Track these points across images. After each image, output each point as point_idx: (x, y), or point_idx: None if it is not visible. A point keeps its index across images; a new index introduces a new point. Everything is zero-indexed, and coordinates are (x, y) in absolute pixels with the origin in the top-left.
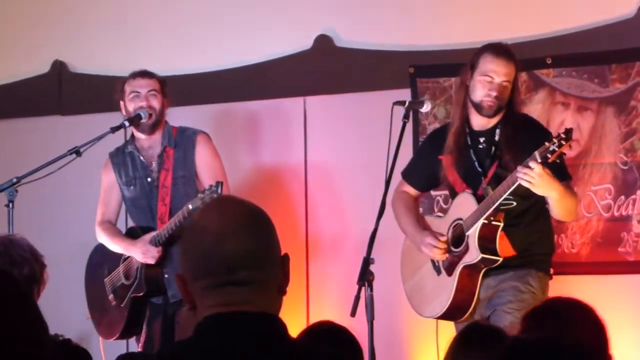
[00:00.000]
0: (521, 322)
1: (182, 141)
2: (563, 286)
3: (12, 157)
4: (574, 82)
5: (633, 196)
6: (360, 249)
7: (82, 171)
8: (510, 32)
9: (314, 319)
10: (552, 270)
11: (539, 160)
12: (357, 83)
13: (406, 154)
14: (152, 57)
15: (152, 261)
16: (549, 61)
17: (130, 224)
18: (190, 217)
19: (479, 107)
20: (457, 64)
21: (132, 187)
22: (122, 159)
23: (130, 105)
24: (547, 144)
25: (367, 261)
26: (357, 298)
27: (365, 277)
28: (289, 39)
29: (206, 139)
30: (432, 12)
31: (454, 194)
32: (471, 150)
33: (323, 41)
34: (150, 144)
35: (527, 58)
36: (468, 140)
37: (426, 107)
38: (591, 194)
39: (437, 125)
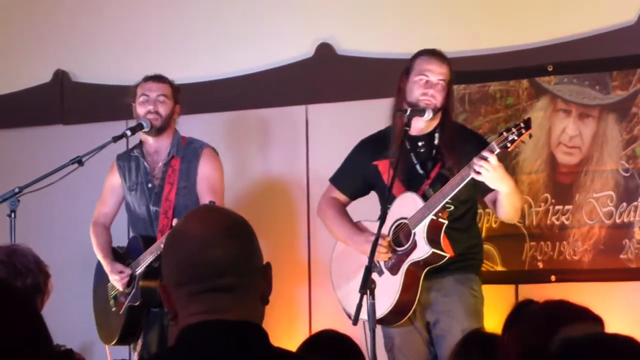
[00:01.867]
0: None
1: (188, 153)
2: (565, 293)
3: (14, 167)
4: (575, 89)
5: (635, 203)
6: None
7: (84, 180)
8: (512, 40)
9: (316, 328)
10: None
11: (497, 150)
12: (359, 91)
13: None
14: (154, 67)
15: (121, 287)
16: (550, 68)
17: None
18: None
19: (416, 108)
20: (457, 72)
21: (133, 192)
22: (128, 162)
23: (140, 108)
24: (504, 133)
25: (369, 269)
26: (359, 306)
27: (368, 285)
28: (290, 48)
29: (211, 153)
30: (433, 20)
31: (390, 199)
32: (411, 154)
33: (325, 49)
34: (156, 148)
35: (528, 65)
36: (407, 144)
37: (427, 115)
38: (593, 201)
39: None
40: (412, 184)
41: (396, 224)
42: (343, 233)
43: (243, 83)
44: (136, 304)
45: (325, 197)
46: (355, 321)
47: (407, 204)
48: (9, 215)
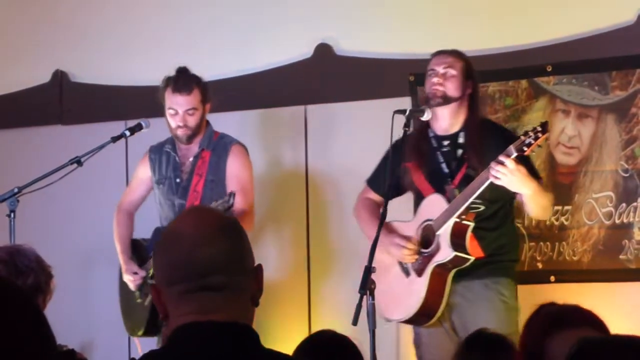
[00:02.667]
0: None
1: (219, 147)
2: (565, 294)
3: (13, 167)
4: (574, 90)
5: (634, 203)
6: (361, 258)
7: (83, 181)
8: (510, 40)
9: (315, 328)
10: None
11: (515, 154)
12: (357, 91)
13: None
14: (153, 67)
15: (132, 287)
16: (549, 69)
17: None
18: None
19: (428, 100)
20: None
21: (161, 186)
22: (159, 155)
23: (170, 120)
24: (522, 137)
25: (369, 270)
26: (359, 307)
27: (367, 285)
28: (289, 48)
29: (240, 150)
30: (432, 20)
31: (420, 199)
32: (437, 153)
33: (323, 50)
34: (188, 146)
35: (528, 65)
36: (433, 143)
37: (427, 116)
38: (592, 202)
39: None
40: (437, 183)
41: (423, 225)
42: (373, 234)
43: (242, 83)
44: None
45: (360, 198)
46: (355, 322)
47: (433, 206)
48: (9, 215)
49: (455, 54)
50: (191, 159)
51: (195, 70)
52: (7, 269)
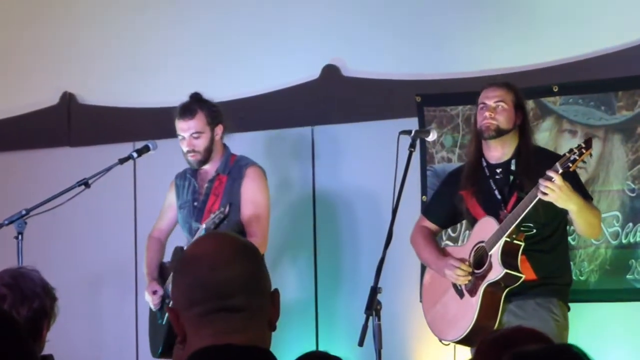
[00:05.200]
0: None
1: (234, 171)
2: (572, 313)
3: (21, 189)
4: (580, 110)
5: None
6: (368, 278)
7: (91, 203)
8: (517, 60)
9: (322, 348)
10: None
11: (560, 171)
12: (364, 112)
13: (413, 183)
14: (161, 89)
15: (152, 306)
16: (555, 89)
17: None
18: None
19: (481, 134)
20: (463, 93)
21: (182, 210)
22: (183, 181)
23: (181, 147)
24: (567, 154)
25: (375, 290)
26: (365, 327)
27: (373, 306)
28: (296, 69)
29: (256, 172)
30: (438, 41)
31: (475, 224)
32: (490, 181)
33: (330, 71)
34: (206, 170)
35: (534, 86)
36: (486, 172)
37: (432, 136)
38: None
39: (444, 153)
40: (491, 209)
41: (476, 247)
42: (428, 258)
43: (250, 105)
44: None
45: (417, 225)
46: (361, 342)
47: (484, 228)
48: (16, 237)
49: (506, 86)
50: (207, 182)
51: (203, 91)
52: (12, 293)
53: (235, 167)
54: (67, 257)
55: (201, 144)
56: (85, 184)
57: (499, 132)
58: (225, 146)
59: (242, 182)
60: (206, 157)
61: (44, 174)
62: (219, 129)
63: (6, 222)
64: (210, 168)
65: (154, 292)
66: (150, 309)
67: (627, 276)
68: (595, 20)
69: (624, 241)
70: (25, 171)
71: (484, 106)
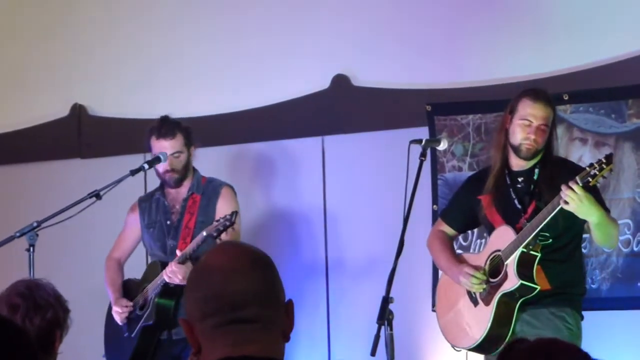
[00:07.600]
0: None
1: (208, 190)
2: (584, 322)
3: (32, 201)
4: (591, 118)
5: None
6: (379, 288)
7: (102, 214)
8: (527, 69)
9: (335, 358)
10: None
11: (580, 184)
12: (374, 122)
13: (424, 192)
14: (170, 100)
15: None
16: (565, 97)
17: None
18: (205, 243)
19: (517, 150)
20: (474, 102)
21: (151, 230)
22: (149, 203)
23: (158, 166)
24: (587, 168)
25: (387, 300)
26: (377, 337)
27: (385, 316)
28: (306, 79)
29: (230, 192)
30: (449, 50)
31: (492, 231)
32: (510, 189)
33: (340, 81)
34: (177, 190)
35: None
36: (507, 180)
37: (443, 145)
38: None
39: (455, 162)
40: (509, 218)
41: (492, 255)
42: (444, 264)
43: (260, 115)
44: (149, 324)
45: (434, 230)
46: (373, 352)
47: (501, 237)
48: (28, 250)
49: (550, 105)
50: (181, 201)
51: (213, 102)
52: (25, 302)
53: (208, 187)
54: (79, 269)
55: (180, 163)
56: (97, 195)
57: (537, 153)
58: (194, 168)
59: (217, 200)
60: (183, 175)
61: (55, 186)
62: (192, 150)
63: (18, 234)
64: (181, 190)
65: (124, 306)
66: (107, 330)
67: (639, 284)
68: (605, 28)
69: (635, 249)
70: (36, 183)
71: (529, 123)
